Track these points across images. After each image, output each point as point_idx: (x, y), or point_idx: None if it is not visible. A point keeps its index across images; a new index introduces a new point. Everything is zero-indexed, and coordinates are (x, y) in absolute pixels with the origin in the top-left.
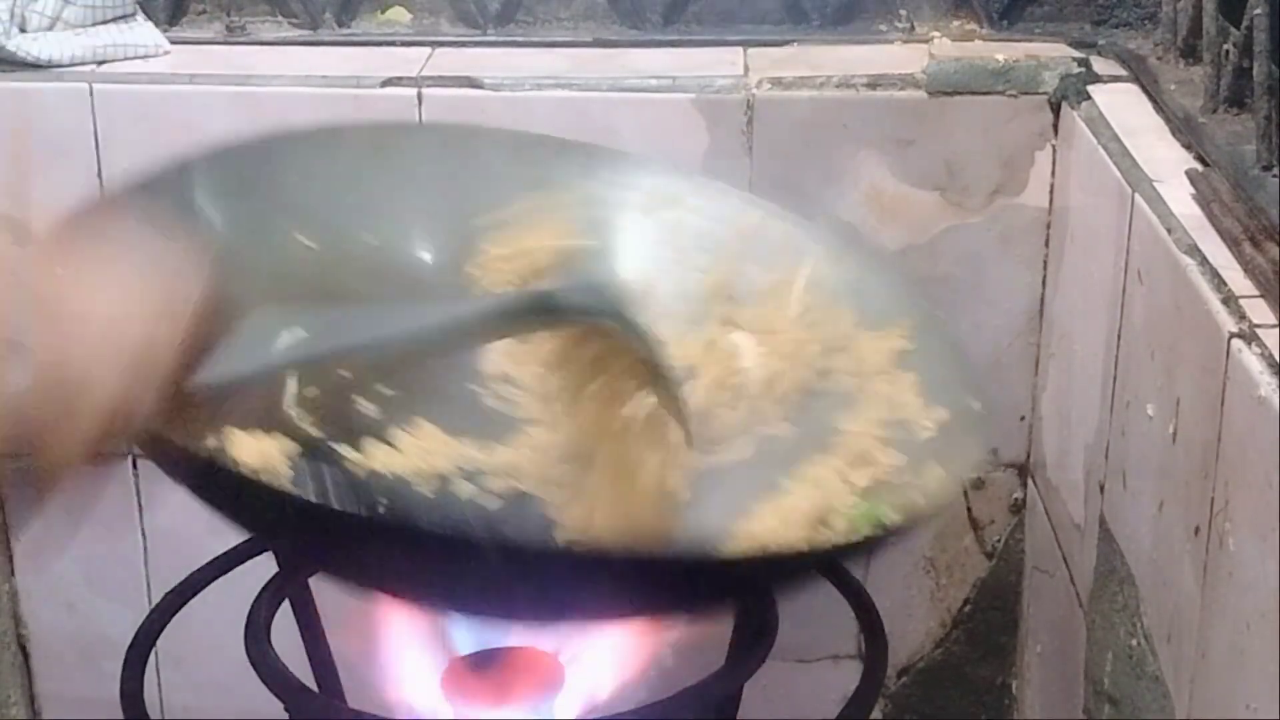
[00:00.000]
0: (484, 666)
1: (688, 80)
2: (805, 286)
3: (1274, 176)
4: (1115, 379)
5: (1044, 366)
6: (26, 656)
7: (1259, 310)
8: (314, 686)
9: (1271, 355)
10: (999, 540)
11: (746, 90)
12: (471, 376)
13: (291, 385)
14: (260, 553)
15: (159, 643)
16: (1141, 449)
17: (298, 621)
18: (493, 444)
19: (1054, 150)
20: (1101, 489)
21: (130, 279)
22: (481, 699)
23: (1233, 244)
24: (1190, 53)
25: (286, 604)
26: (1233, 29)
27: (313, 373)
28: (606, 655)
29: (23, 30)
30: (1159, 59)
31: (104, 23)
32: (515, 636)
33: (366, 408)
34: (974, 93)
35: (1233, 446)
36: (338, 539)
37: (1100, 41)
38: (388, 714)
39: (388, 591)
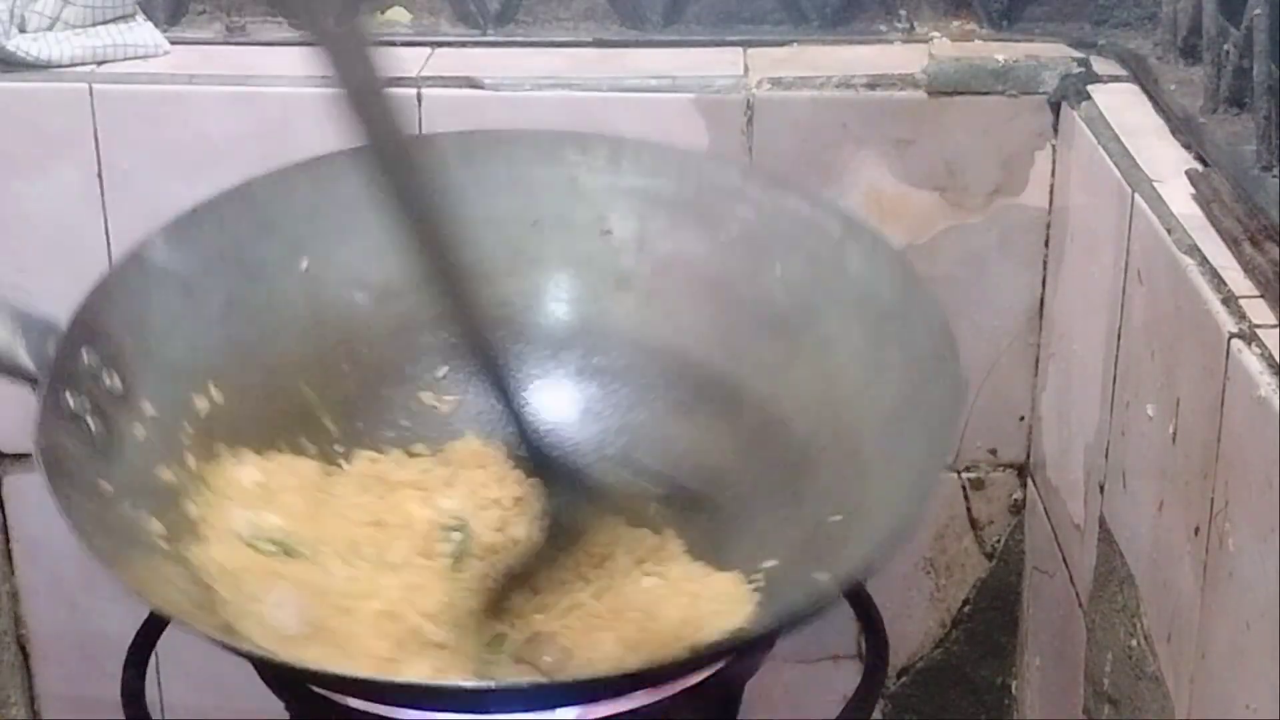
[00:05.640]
0: None
1: (688, 80)
2: None
3: (1274, 176)
4: (1115, 379)
5: (1044, 366)
6: (26, 656)
7: (1259, 310)
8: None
9: (1271, 355)
10: (999, 540)
11: (746, 90)
12: None
13: None
14: None
15: (159, 643)
16: (1141, 449)
17: None
18: None
19: (1054, 150)
20: (1101, 489)
21: None
22: None
23: (1233, 244)
24: (1190, 53)
25: None
26: (1233, 29)
27: None
28: None
29: (22, 30)
30: (1159, 59)
31: (104, 23)
32: None
33: None
34: (974, 93)
35: (1233, 446)
36: None
37: (1100, 41)
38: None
39: None
